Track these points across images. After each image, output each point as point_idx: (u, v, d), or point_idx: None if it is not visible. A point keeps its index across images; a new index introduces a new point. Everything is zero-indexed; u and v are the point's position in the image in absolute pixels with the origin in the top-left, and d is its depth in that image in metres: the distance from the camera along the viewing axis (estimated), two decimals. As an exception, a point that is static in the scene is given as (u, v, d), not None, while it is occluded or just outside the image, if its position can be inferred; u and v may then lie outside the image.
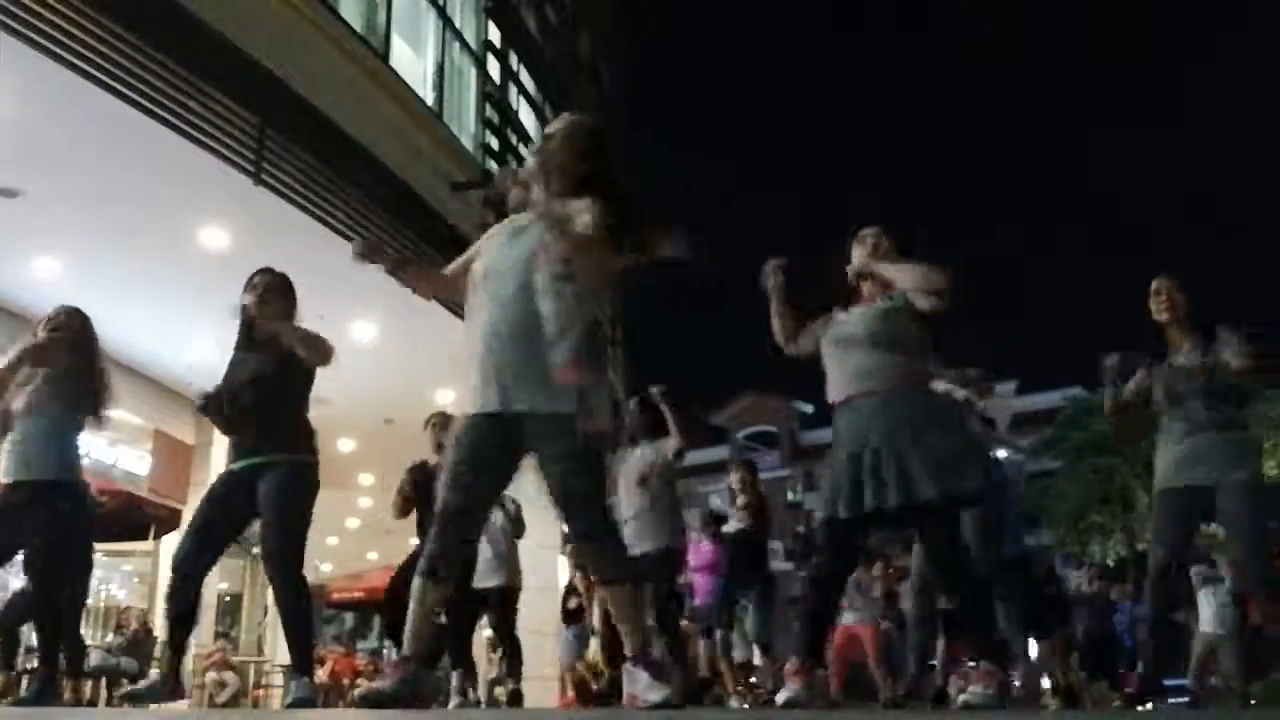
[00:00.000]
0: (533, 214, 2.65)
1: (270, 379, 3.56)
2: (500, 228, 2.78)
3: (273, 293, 3.67)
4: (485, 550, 5.85)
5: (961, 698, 3.01)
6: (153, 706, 3.42)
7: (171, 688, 3.50)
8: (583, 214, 2.55)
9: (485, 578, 5.86)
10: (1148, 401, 3.95)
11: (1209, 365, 3.75)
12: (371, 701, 2.44)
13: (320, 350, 3.58)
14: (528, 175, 2.73)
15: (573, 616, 8.88)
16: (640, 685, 2.46)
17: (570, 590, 8.94)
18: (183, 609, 3.55)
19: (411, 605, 2.53)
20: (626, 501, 5.15)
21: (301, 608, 3.55)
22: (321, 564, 17.87)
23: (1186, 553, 3.93)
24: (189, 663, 9.94)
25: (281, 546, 3.51)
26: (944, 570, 3.17)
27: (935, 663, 5.12)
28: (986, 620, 3.18)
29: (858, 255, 3.41)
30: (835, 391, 3.27)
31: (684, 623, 6.44)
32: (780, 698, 3.16)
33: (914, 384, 3.21)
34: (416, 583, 2.52)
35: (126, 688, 3.91)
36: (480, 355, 2.56)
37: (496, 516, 5.89)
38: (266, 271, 3.76)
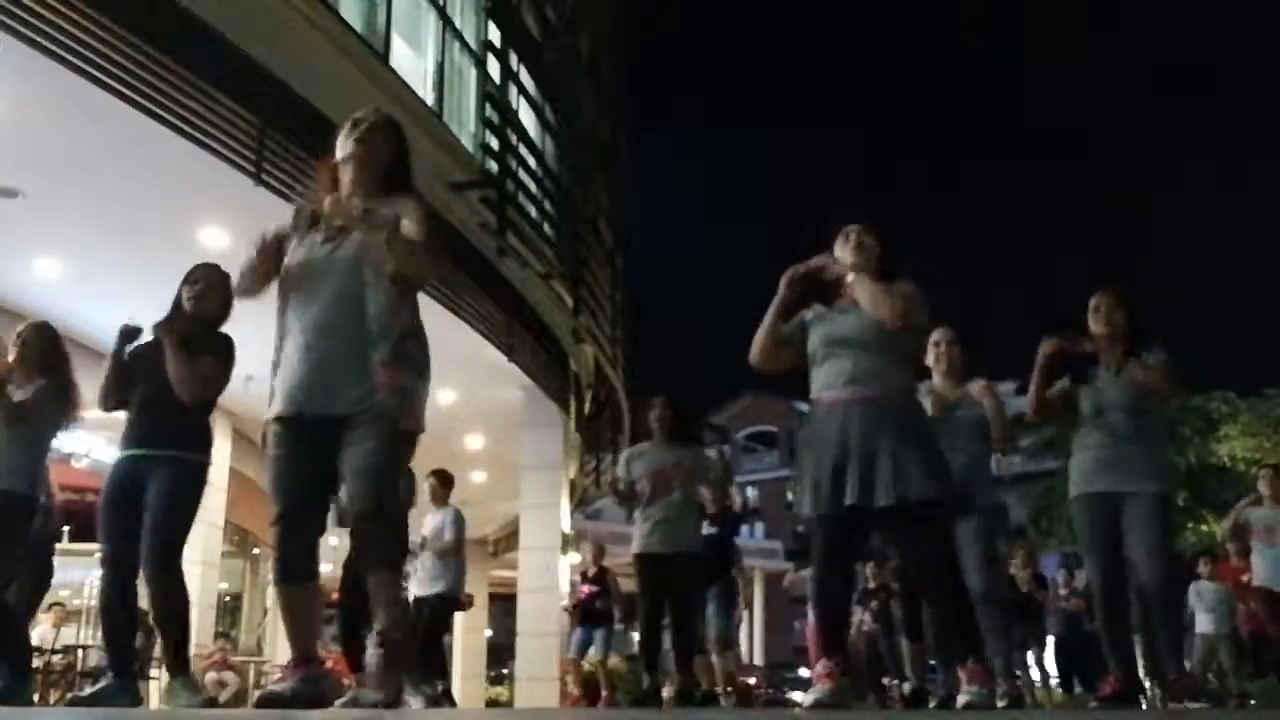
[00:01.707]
0: (343, 212, 2.61)
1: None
2: (304, 223, 2.71)
3: (212, 289, 3.75)
4: (426, 559, 5.90)
5: (961, 699, 3.00)
6: (152, 707, 3.41)
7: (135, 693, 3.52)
8: (408, 215, 2.58)
9: (426, 585, 5.92)
10: (1071, 407, 4.04)
11: (1130, 379, 3.87)
12: (272, 703, 2.44)
13: (190, 390, 3.58)
14: (339, 161, 2.71)
15: (592, 617, 8.83)
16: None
17: (590, 579, 8.93)
18: (125, 621, 3.60)
19: (285, 614, 2.54)
20: (664, 501, 5.08)
21: (177, 609, 3.60)
22: (322, 565, 17.86)
23: (1121, 558, 3.97)
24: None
25: (162, 546, 3.55)
26: (926, 572, 3.19)
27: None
28: (968, 621, 3.21)
29: (841, 250, 3.33)
30: (823, 390, 3.21)
31: None
32: (808, 699, 3.11)
33: (904, 391, 3.24)
34: (280, 591, 2.54)
35: (88, 689, 3.90)
36: (298, 354, 2.54)
37: (440, 521, 5.91)
38: (209, 267, 3.84)
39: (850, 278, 3.28)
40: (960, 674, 3.03)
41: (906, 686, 5.35)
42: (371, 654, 2.49)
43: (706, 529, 6.35)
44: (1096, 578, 3.94)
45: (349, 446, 2.50)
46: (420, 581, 5.99)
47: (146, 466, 3.56)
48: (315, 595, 2.63)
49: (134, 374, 3.71)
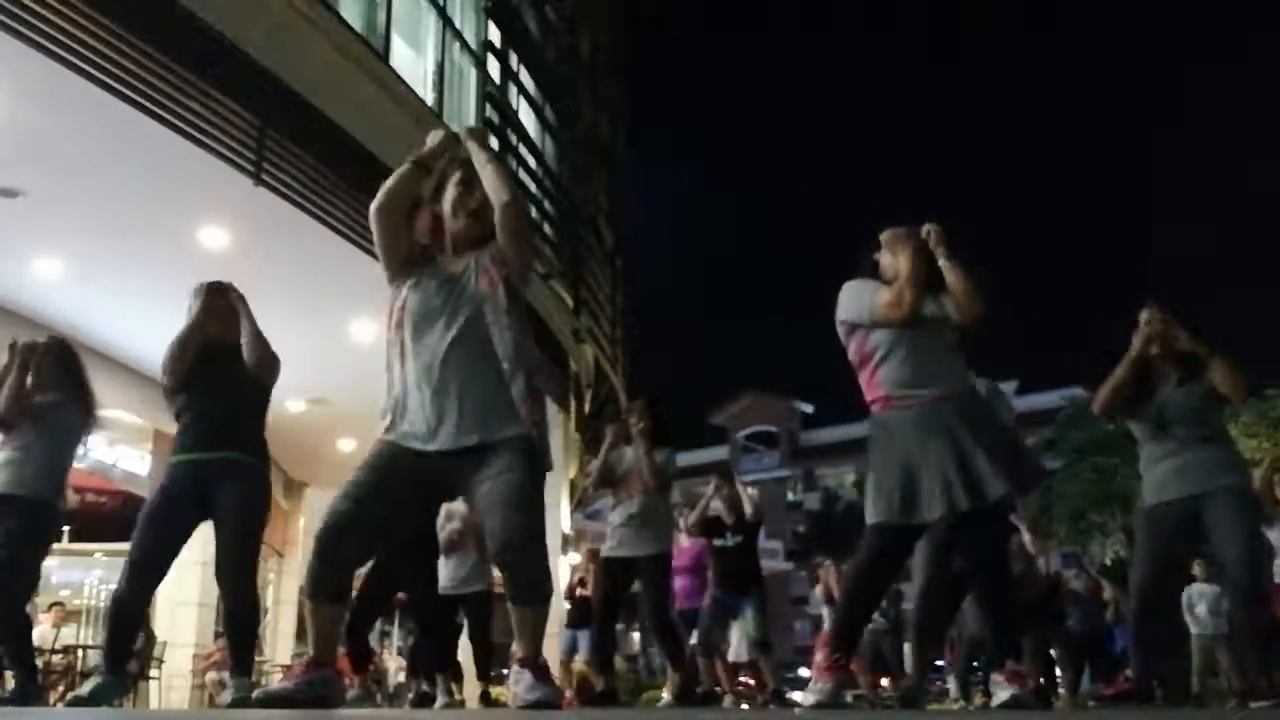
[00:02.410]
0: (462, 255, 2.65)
1: (241, 384, 3.62)
2: (420, 265, 2.70)
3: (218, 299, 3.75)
4: (469, 556, 5.88)
5: (1000, 697, 2.96)
6: (152, 706, 3.42)
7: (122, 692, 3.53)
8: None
9: (464, 584, 5.89)
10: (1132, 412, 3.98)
11: (1199, 391, 3.83)
12: (273, 702, 2.44)
13: (261, 351, 3.63)
14: (449, 214, 2.74)
15: (583, 618, 8.83)
16: (523, 685, 2.49)
17: (581, 583, 8.93)
18: (132, 623, 3.58)
19: (309, 623, 2.52)
20: (627, 502, 5.09)
21: (255, 616, 3.65)
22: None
23: (1172, 572, 3.94)
24: (190, 662, 9.96)
25: (249, 557, 3.58)
26: (990, 570, 3.10)
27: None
28: (1013, 623, 3.16)
29: (890, 256, 3.21)
30: (903, 389, 3.06)
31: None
32: (808, 698, 3.08)
33: (970, 386, 3.16)
34: (307, 605, 2.51)
35: (77, 690, 3.92)
36: (422, 391, 2.52)
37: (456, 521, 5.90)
38: (221, 284, 3.84)
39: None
40: (998, 676, 2.99)
41: (900, 686, 5.33)
42: (520, 671, 2.49)
43: (731, 538, 6.35)
44: (1140, 579, 3.86)
45: (490, 479, 2.47)
46: (459, 580, 5.93)
47: (215, 471, 3.52)
48: (341, 612, 2.60)
49: (190, 376, 3.68)
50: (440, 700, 5.56)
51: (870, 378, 3.14)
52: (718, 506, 6.49)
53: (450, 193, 2.74)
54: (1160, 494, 3.84)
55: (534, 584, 2.52)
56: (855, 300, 3.16)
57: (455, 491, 2.60)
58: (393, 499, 2.51)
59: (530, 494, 2.50)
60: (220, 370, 3.64)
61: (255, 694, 2.55)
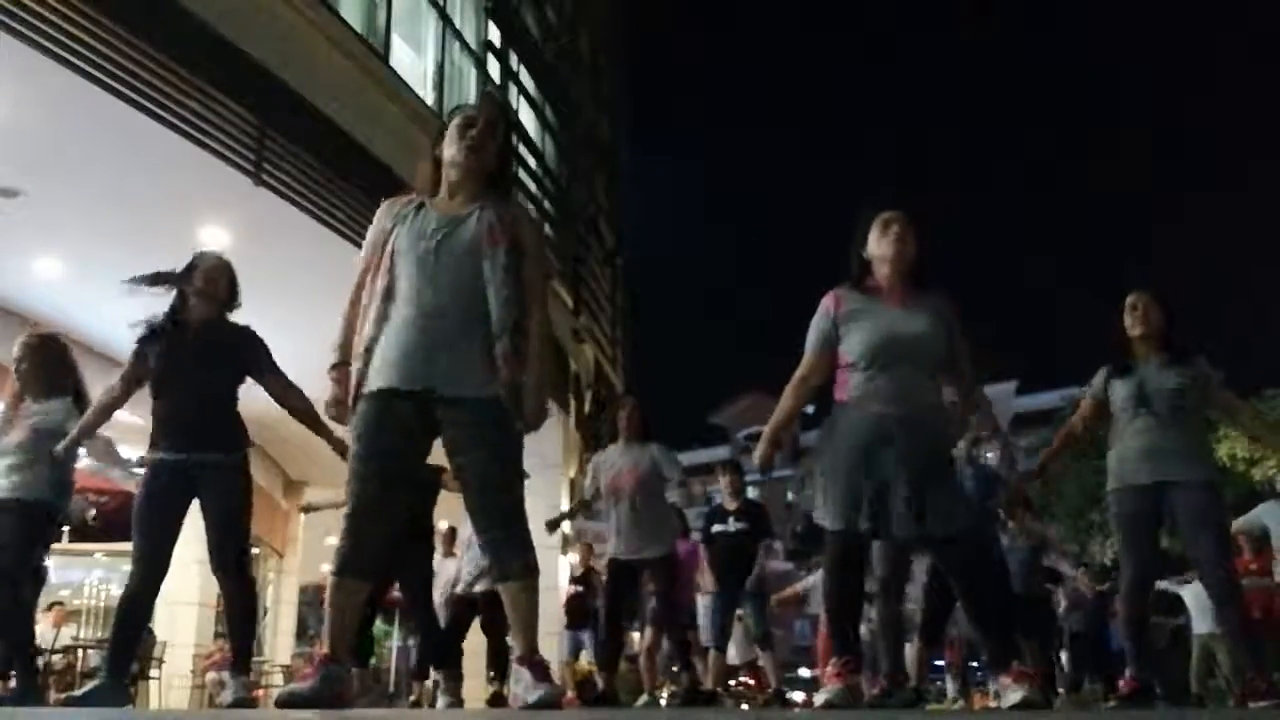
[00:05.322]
0: (463, 203, 2.62)
1: (214, 375, 3.60)
2: (406, 208, 2.67)
3: (219, 275, 3.72)
4: (475, 554, 5.86)
5: (1009, 699, 2.94)
6: (152, 706, 3.42)
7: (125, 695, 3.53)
8: (524, 235, 2.63)
9: (476, 582, 5.87)
10: (1097, 416, 4.06)
11: (1192, 374, 3.84)
12: (292, 703, 2.42)
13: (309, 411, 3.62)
14: (446, 163, 2.69)
15: (581, 618, 8.82)
16: (522, 685, 2.49)
17: (577, 579, 8.92)
18: (138, 622, 3.58)
19: (330, 605, 2.51)
20: (624, 504, 5.06)
21: (251, 609, 3.66)
22: (322, 565, 17.90)
23: (1157, 556, 3.94)
24: (191, 662, 9.97)
25: (239, 550, 3.58)
26: (969, 583, 3.09)
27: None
28: (1008, 623, 3.14)
29: (877, 242, 3.16)
30: (867, 397, 3.04)
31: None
32: (819, 699, 3.08)
33: (943, 410, 3.15)
34: (334, 583, 2.49)
35: (79, 690, 3.91)
36: (404, 331, 2.50)
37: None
38: (213, 254, 3.80)
39: (885, 269, 3.12)
40: (1005, 678, 2.98)
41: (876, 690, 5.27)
42: (519, 670, 2.51)
43: (734, 524, 6.22)
44: (1127, 576, 3.89)
45: (469, 448, 2.47)
46: (473, 578, 5.91)
47: (196, 470, 3.52)
48: (363, 598, 2.58)
49: (159, 372, 3.63)
50: (441, 700, 5.56)
51: (840, 378, 3.15)
52: (720, 492, 6.46)
53: (452, 133, 2.69)
54: (1127, 477, 3.84)
55: (519, 557, 2.55)
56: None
57: (436, 431, 2.56)
58: (399, 450, 2.50)
59: (511, 471, 2.52)
60: (194, 358, 3.59)
61: (277, 696, 2.53)
